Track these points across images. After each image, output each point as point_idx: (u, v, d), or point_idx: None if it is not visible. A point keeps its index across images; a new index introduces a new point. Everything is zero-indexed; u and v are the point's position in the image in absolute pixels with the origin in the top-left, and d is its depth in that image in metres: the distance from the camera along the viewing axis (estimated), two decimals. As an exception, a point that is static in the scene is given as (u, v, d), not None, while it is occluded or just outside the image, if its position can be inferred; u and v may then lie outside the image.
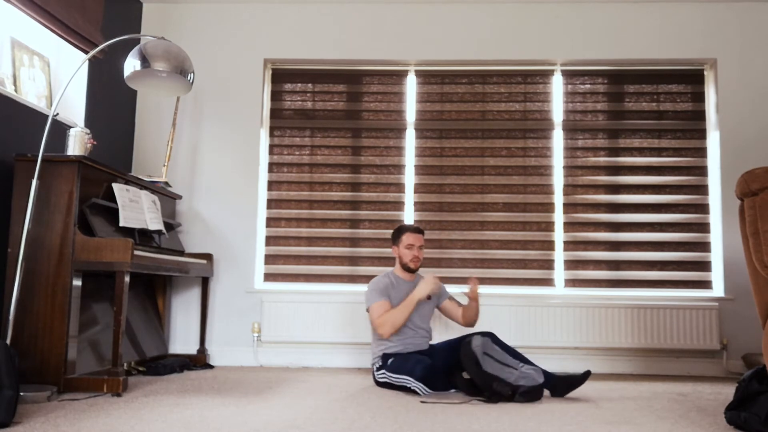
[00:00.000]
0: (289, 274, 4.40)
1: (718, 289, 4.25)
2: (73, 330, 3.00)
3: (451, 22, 4.49)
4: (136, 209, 3.47)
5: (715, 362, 4.15)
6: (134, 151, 4.48)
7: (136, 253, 3.09)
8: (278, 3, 4.54)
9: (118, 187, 3.36)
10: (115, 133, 4.24)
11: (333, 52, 4.49)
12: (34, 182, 2.83)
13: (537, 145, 4.45)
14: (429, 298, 3.58)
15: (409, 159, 4.48)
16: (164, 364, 3.66)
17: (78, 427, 2.21)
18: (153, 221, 3.59)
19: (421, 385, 3.11)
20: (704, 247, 4.31)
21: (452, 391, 3.18)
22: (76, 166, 3.04)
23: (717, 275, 4.27)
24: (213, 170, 4.44)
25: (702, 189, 4.36)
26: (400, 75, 4.55)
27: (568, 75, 4.50)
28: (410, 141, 4.50)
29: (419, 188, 4.45)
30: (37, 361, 2.93)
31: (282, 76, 4.58)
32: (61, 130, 3.50)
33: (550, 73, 4.51)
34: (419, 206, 4.43)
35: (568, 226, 4.37)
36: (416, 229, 3.57)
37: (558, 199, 4.40)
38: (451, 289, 3.85)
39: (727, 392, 3.31)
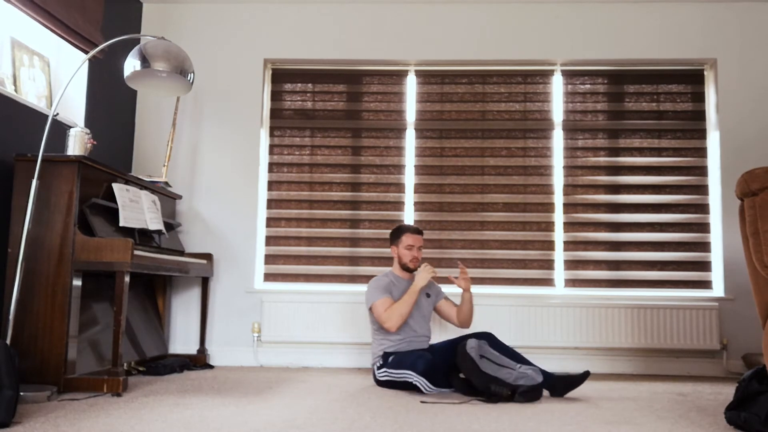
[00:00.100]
0: (289, 274, 4.40)
1: (718, 289, 4.25)
2: (73, 330, 3.00)
3: (451, 22, 4.49)
4: (136, 209, 3.47)
5: (715, 362, 4.15)
6: (134, 151, 4.48)
7: (136, 253, 3.09)
8: (278, 3, 4.54)
9: (118, 187, 3.36)
10: (115, 133, 4.24)
11: (333, 52, 4.50)
12: (34, 182, 2.83)
13: (537, 145, 4.45)
14: (428, 296, 3.60)
15: (409, 159, 4.48)
16: (164, 364, 3.66)
17: (78, 427, 2.21)
18: (153, 221, 3.59)
19: (423, 379, 3.12)
20: (704, 247, 4.31)
21: (452, 390, 3.18)
22: (76, 166, 3.04)
23: (717, 275, 4.27)
24: (213, 170, 4.44)
25: (702, 189, 4.36)
26: (400, 75, 4.55)
27: (568, 75, 4.50)
28: (410, 141, 4.50)
29: (419, 188, 4.45)
30: (37, 361, 2.93)
31: (282, 76, 4.58)
32: (61, 130, 3.50)
33: (550, 73, 4.51)
34: (419, 206, 4.43)
35: (568, 226, 4.37)
36: (416, 230, 3.59)
37: (558, 199, 4.40)
38: (451, 289, 3.85)
39: (727, 392, 3.31)
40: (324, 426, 2.30)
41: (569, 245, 4.35)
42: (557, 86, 4.50)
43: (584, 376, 3.08)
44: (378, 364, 3.39)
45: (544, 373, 3.06)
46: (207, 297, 4.22)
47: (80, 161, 3.05)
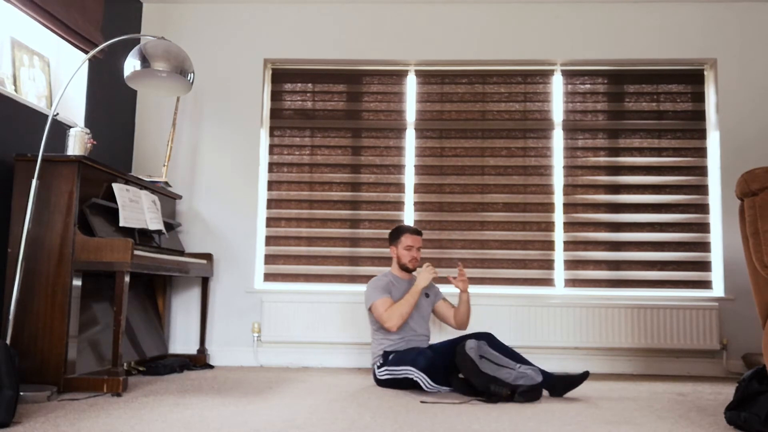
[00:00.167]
0: (289, 274, 4.40)
1: (718, 289, 4.25)
2: (73, 330, 3.00)
3: (451, 22, 4.49)
4: (136, 209, 3.47)
5: (715, 362, 4.15)
6: (134, 151, 4.48)
7: (136, 253, 3.09)
8: (278, 3, 4.54)
9: (118, 187, 3.36)
10: (115, 133, 4.24)
11: (333, 52, 4.50)
12: (34, 182, 2.83)
13: (537, 145, 4.45)
14: (427, 296, 3.61)
15: (409, 159, 4.48)
16: (164, 364, 3.66)
17: (78, 427, 2.21)
18: (153, 221, 3.59)
19: (424, 375, 3.12)
20: (704, 247, 4.31)
21: (451, 389, 3.18)
22: (76, 166, 3.04)
23: (717, 275, 4.27)
24: (213, 170, 4.44)
25: (702, 189, 4.36)
26: (400, 75, 4.55)
27: (568, 75, 4.50)
28: (410, 141, 4.50)
29: (419, 188, 4.45)
30: (37, 361, 2.93)
31: (282, 76, 4.58)
32: (61, 130, 3.50)
33: (550, 73, 4.51)
34: (419, 206, 4.43)
35: (568, 226, 4.37)
36: (415, 231, 3.61)
37: (558, 199, 4.40)
38: (448, 289, 3.85)
39: (727, 392, 3.31)
40: (324, 426, 2.30)
41: (569, 245, 4.35)
42: (557, 86, 4.50)
43: (584, 377, 3.08)
44: (378, 364, 3.40)
45: (543, 373, 3.06)
46: (207, 297, 4.22)
47: (80, 161, 3.05)
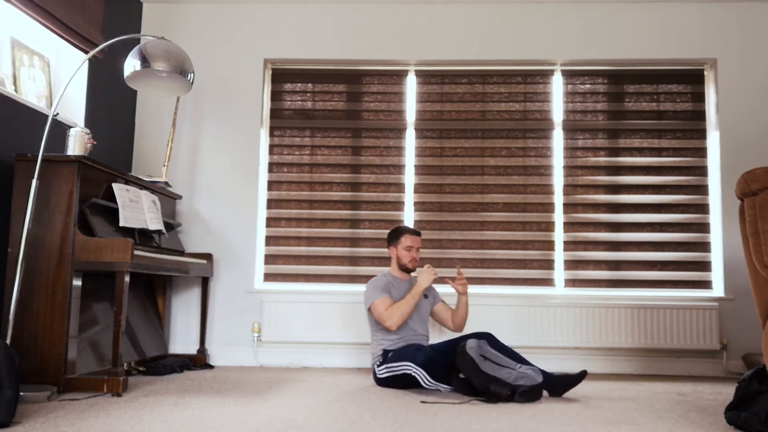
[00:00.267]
0: (289, 274, 4.40)
1: (718, 289, 4.25)
2: (73, 330, 3.00)
3: (451, 22, 4.49)
4: (136, 209, 3.47)
5: (715, 362, 4.15)
6: (134, 151, 4.48)
7: (136, 253, 3.09)
8: (278, 3, 4.54)
9: (118, 187, 3.36)
10: (115, 133, 4.24)
11: (333, 52, 4.49)
12: (34, 182, 2.82)
13: (537, 145, 4.45)
14: (426, 297, 3.61)
15: (409, 159, 4.48)
16: (164, 364, 3.66)
17: (78, 427, 2.21)
18: (153, 221, 3.59)
19: (422, 371, 3.12)
20: (704, 247, 4.31)
21: (451, 388, 3.18)
22: (76, 166, 3.04)
23: (717, 275, 4.27)
24: (213, 170, 4.44)
25: (702, 189, 4.36)
26: (400, 75, 4.55)
27: (568, 75, 4.50)
28: (410, 141, 4.50)
29: (419, 188, 4.45)
30: (37, 361, 2.93)
31: (282, 76, 4.58)
32: (61, 130, 3.50)
33: (550, 73, 4.51)
34: (419, 206, 4.43)
35: (568, 226, 4.37)
36: (415, 231, 3.64)
37: (558, 199, 4.40)
38: (444, 289, 3.85)
39: (727, 392, 3.31)
40: (324, 426, 2.30)
41: (569, 245, 4.35)
42: (557, 86, 4.50)
43: (581, 376, 3.08)
44: (378, 362, 3.40)
45: (543, 373, 3.06)
46: (207, 297, 4.22)
47: (80, 161, 3.05)
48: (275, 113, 4.55)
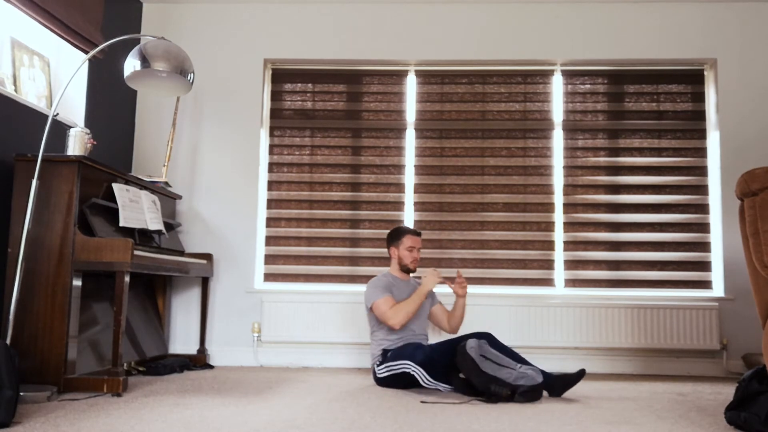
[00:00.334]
0: (289, 274, 4.40)
1: (718, 289, 4.25)
2: (73, 330, 3.00)
3: (451, 22, 4.49)
4: (136, 209, 3.47)
5: (715, 362, 4.15)
6: (134, 151, 4.48)
7: (136, 253, 3.09)
8: (278, 3, 4.54)
9: (118, 187, 3.36)
10: (115, 133, 4.24)
11: (333, 52, 4.50)
12: (34, 182, 2.83)
13: (537, 145, 4.45)
14: (425, 297, 3.63)
15: (409, 159, 4.48)
16: (164, 364, 3.66)
17: (78, 427, 2.21)
18: (153, 221, 3.59)
19: (421, 370, 3.13)
20: (704, 247, 4.31)
21: (451, 388, 3.18)
22: (76, 166, 3.04)
23: (717, 275, 4.27)
24: (213, 170, 4.44)
25: (702, 189, 4.36)
26: (400, 75, 4.55)
27: (568, 75, 4.50)
28: (410, 141, 4.50)
29: (419, 188, 4.45)
30: (37, 361, 2.93)
31: (282, 76, 4.58)
32: (61, 130, 3.50)
33: (550, 73, 4.51)
34: (419, 206, 4.43)
35: (568, 226, 4.37)
36: (416, 232, 3.66)
37: (558, 199, 4.40)
38: (443, 289, 3.85)
39: (727, 392, 3.31)
40: (324, 426, 2.30)
41: (569, 245, 4.35)
42: (557, 86, 4.50)
43: (580, 375, 3.08)
44: (378, 362, 3.40)
45: (543, 373, 3.06)
46: (207, 297, 4.22)
47: (80, 161, 3.05)
48: (275, 113, 4.55)
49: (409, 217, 4.42)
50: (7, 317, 2.80)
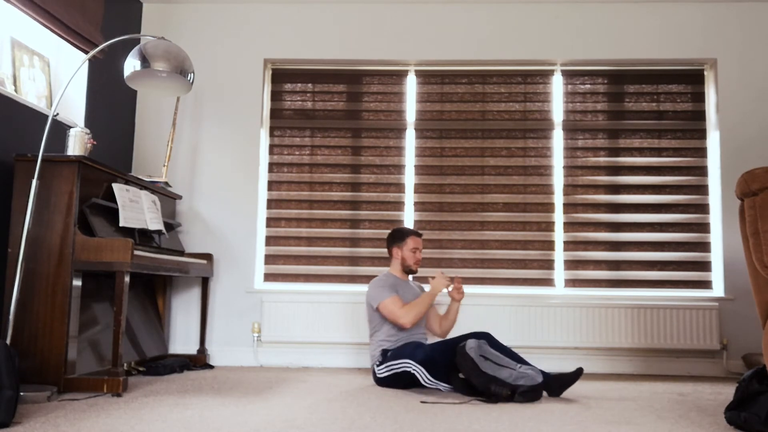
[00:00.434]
0: (289, 274, 4.40)
1: (718, 289, 4.25)
2: (73, 330, 3.00)
3: (451, 22, 4.49)
4: (136, 209, 3.47)
5: (715, 362, 4.15)
6: (134, 151, 4.48)
7: (136, 253, 3.09)
8: (278, 3, 4.54)
9: (118, 187, 3.36)
10: (115, 133, 4.24)
11: (333, 52, 4.50)
12: (34, 182, 2.83)
13: (537, 145, 4.45)
14: None
15: (409, 159, 4.48)
16: (164, 364, 3.66)
17: (78, 427, 2.21)
18: (153, 221, 3.59)
19: (422, 368, 3.13)
20: (704, 247, 4.31)
21: (451, 388, 3.18)
22: (76, 166, 3.04)
23: (717, 275, 4.27)
24: (213, 170, 4.44)
25: (702, 189, 4.36)
26: (400, 75, 4.55)
27: (568, 75, 4.50)
28: (410, 141, 4.50)
29: (419, 188, 4.45)
30: (37, 361, 2.93)
31: (282, 76, 4.58)
32: (61, 130, 3.50)
33: (550, 73, 4.51)
34: (419, 206, 4.43)
35: (568, 226, 4.37)
36: (418, 233, 3.68)
37: (558, 199, 4.40)
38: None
39: (727, 392, 3.31)
40: (324, 426, 2.30)
41: (569, 245, 4.35)
42: (557, 86, 4.50)
43: (577, 374, 3.08)
44: (378, 362, 3.40)
45: (543, 373, 3.06)
46: (207, 297, 4.22)
47: (80, 161, 3.05)
48: (275, 113, 4.55)
49: (409, 217, 4.42)
50: (7, 317, 2.80)
